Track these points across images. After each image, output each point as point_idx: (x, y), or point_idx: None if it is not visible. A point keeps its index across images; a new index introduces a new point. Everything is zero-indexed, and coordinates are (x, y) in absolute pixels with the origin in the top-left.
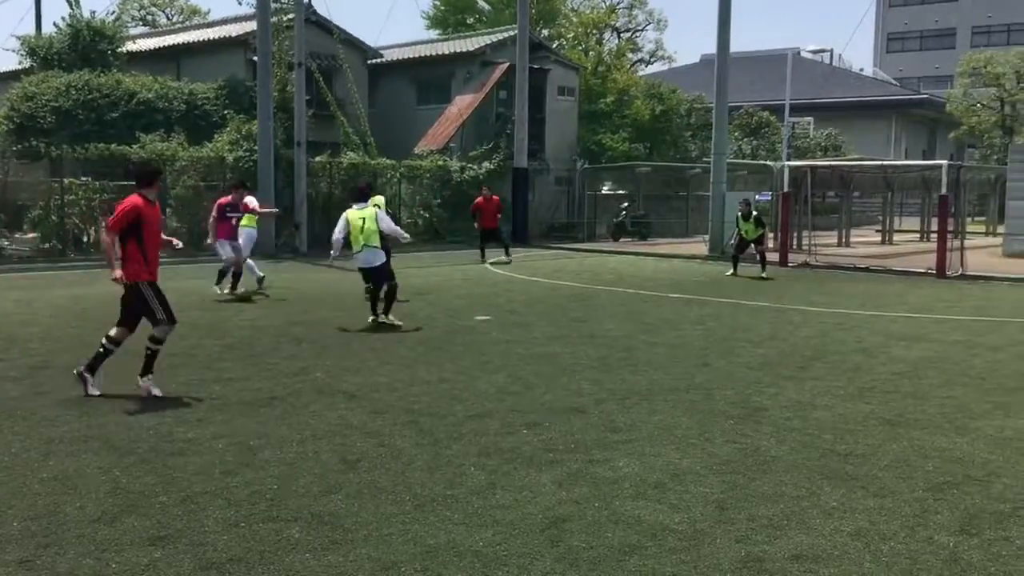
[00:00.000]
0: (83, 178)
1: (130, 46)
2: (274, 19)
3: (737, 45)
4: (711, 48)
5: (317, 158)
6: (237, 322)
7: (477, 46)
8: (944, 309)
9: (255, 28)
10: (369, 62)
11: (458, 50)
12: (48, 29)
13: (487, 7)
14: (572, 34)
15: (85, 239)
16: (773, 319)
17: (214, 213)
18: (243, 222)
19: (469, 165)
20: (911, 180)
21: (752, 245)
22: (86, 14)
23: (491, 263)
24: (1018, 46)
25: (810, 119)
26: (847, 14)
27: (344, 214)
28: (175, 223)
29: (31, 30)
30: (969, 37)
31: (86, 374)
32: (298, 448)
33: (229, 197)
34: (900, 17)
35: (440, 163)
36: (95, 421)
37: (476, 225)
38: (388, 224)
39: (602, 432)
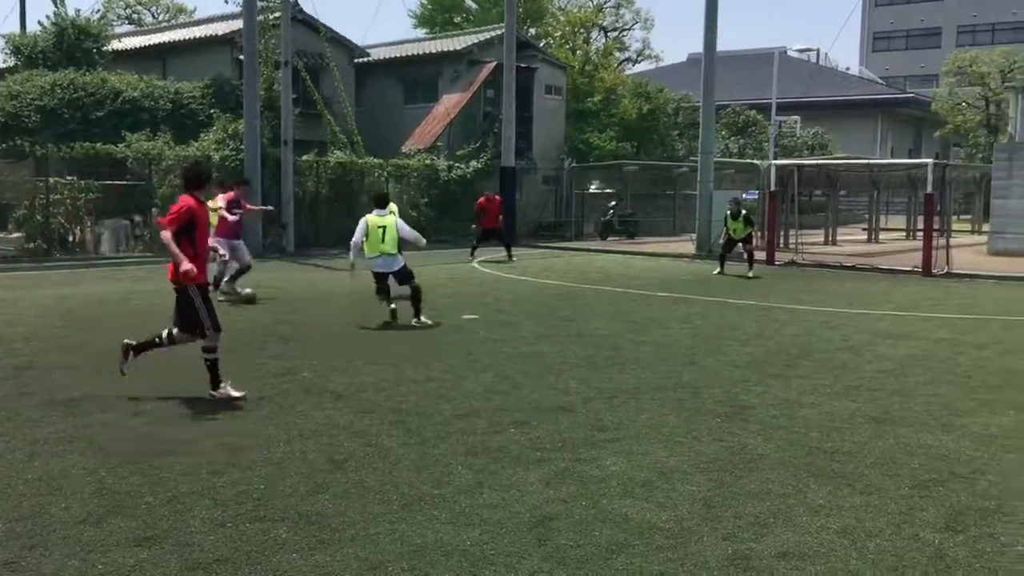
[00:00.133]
0: (68, 177)
1: (115, 45)
2: (260, 17)
3: (724, 44)
4: (698, 47)
5: (304, 157)
6: (224, 322)
7: (464, 45)
8: (930, 307)
9: (241, 27)
10: (356, 61)
11: (445, 49)
12: (33, 27)
13: (474, 6)
14: (559, 33)
15: (70, 239)
16: (760, 317)
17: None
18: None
19: (456, 164)
20: (897, 179)
21: (740, 244)
22: (71, 12)
23: (479, 262)
24: (1003, 45)
25: (797, 118)
26: (833, 13)
27: (363, 219)
28: None
29: (16, 28)
30: (954, 36)
31: (131, 352)
32: (285, 448)
33: (231, 193)
34: (886, 16)
35: (427, 162)
36: (80, 422)
37: (474, 225)
38: (408, 230)
39: (589, 431)
